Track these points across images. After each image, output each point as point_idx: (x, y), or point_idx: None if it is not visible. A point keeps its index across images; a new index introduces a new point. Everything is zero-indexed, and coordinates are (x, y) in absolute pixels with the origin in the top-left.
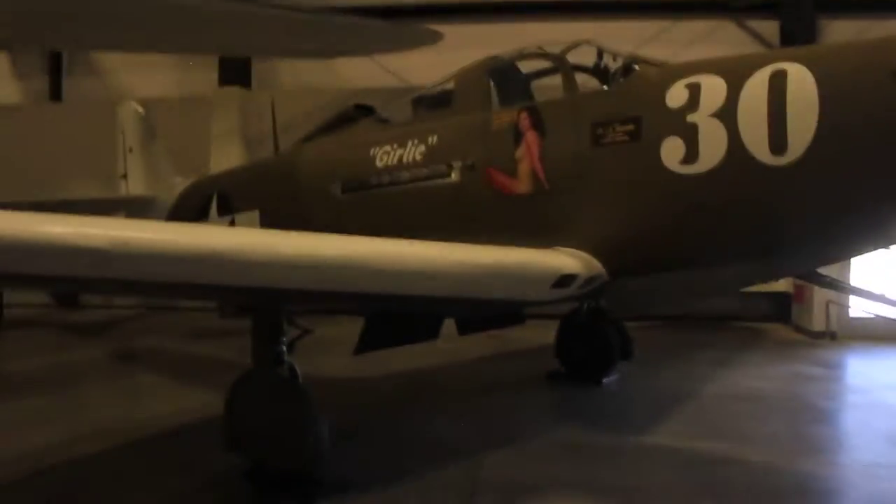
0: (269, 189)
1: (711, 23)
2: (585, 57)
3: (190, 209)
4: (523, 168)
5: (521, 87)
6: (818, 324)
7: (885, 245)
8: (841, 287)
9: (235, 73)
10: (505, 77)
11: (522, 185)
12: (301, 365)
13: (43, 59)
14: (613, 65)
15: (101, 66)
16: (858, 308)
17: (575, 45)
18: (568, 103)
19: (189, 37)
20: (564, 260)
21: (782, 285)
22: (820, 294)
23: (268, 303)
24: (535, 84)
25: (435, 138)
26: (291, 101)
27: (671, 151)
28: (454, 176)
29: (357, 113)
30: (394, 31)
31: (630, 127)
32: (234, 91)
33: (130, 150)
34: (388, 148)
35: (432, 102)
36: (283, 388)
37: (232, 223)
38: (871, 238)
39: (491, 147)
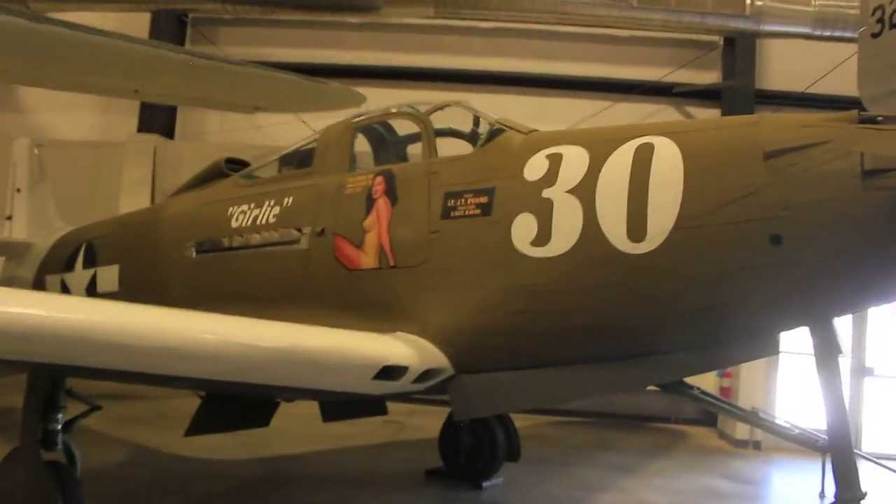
0: (129, 244)
1: (654, 106)
2: (463, 121)
3: (59, 259)
4: (370, 239)
5: (395, 149)
6: (741, 431)
7: (761, 353)
8: (707, 402)
9: (157, 120)
10: (375, 137)
11: (368, 259)
12: (165, 435)
13: None
14: (483, 129)
15: (24, 104)
16: (785, 417)
17: (441, 107)
18: (423, 169)
19: (106, 78)
20: (392, 349)
21: (710, 385)
22: (745, 398)
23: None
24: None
25: (290, 200)
26: (215, 155)
27: (522, 230)
28: (303, 242)
29: (229, 168)
30: (316, 89)
31: (482, 199)
32: (150, 139)
33: (18, 191)
34: (244, 208)
35: (296, 161)
36: (43, 479)
37: (94, 277)
38: (740, 337)
39: (341, 213)
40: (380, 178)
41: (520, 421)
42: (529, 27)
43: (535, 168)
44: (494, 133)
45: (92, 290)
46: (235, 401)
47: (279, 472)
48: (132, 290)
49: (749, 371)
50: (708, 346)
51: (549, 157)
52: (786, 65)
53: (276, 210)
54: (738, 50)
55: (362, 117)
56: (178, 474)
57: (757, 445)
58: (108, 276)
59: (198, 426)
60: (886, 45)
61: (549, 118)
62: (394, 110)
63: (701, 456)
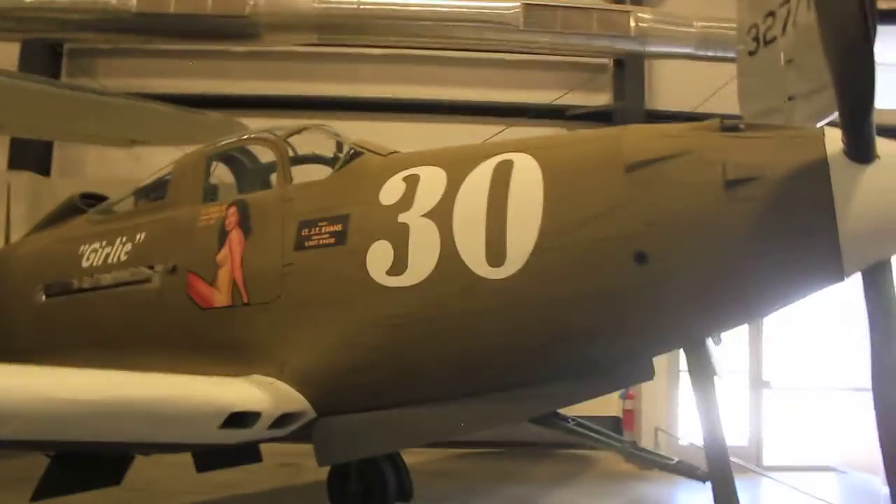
0: None
1: (547, 129)
2: (328, 146)
3: None
4: (223, 275)
5: (258, 177)
6: None
7: (638, 378)
8: (582, 435)
9: (32, 156)
10: (237, 166)
11: (221, 296)
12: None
13: None
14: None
15: None
16: (689, 437)
17: (298, 130)
18: (276, 197)
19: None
20: (242, 394)
21: (613, 408)
22: (649, 419)
23: None
24: None
25: (143, 235)
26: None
27: (378, 259)
28: (155, 281)
29: (85, 203)
30: (195, 119)
31: (337, 227)
32: (25, 176)
33: None
34: (96, 245)
35: (151, 193)
36: None
37: None
38: (614, 364)
39: (193, 248)
40: (233, 209)
41: (418, 456)
42: (420, 53)
43: (391, 192)
44: (352, 156)
45: None
46: (86, 459)
47: None
48: None
49: (651, 392)
50: (581, 374)
51: (405, 179)
52: (675, 85)
53: (128, 247)
54: (628, 71)
55: (217, 145)
56: None
57: None
58: None
59: (45, 489)
60: (762, 62)
61: (443, 144)
62: (250, 135)
63: (606, 481)
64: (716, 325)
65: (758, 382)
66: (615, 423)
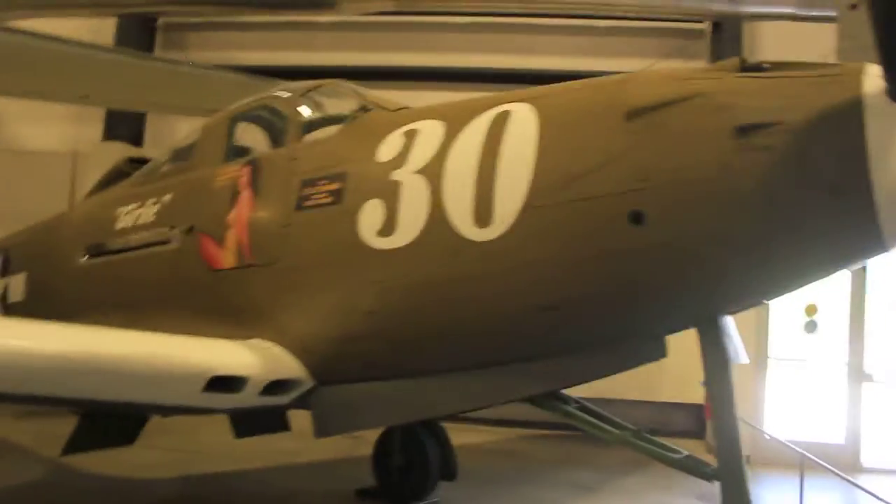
0: (35, 251)
1: None
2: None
3: None
4: (231, 236)
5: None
6: None
7: (647, 357)
8: (581, 420)
9: (125, 128)
10: (267, 124)
11: (228, 257)
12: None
13: None
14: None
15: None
16: (775, 429)
17: (314, 87)
18: (284, 156)
19: (79, 87)
20: (228, 358)
21: (697, 395)
22: None
23: None
24: None
25: (169, 197)
26: None
27: (369, 219)
28: (174, 242)
29: (131, 167)
30: None
31: (334, 186)
32: (115, 147)
33: None
34: (131, 207)
35: (182, 155)
36: None
37: (6, 288)
38: (616, 339)
39: (208, 208)
40: (246, 169)
41: (486, 435)
42: (505, 21)
43: (389, 147)
44: (360, 113)
45: (4, 301)
46: (108, 418)
47: (195, 492)
48: (35, 300)
49: (735, 379)
50: (577, 350)
51: (405, 134)
52: (777, 51)
53: (156, 208)
54: (725, 36)
55: (239, 105)
56: (94, 494)
57: (745, 460)
58: (16, 285)
59: (74, 445)
60: (864, 18)
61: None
62: (266, 94)
63: (680, 473)
64: (726, 300)
65: (858, 375)
66: (698, 412)
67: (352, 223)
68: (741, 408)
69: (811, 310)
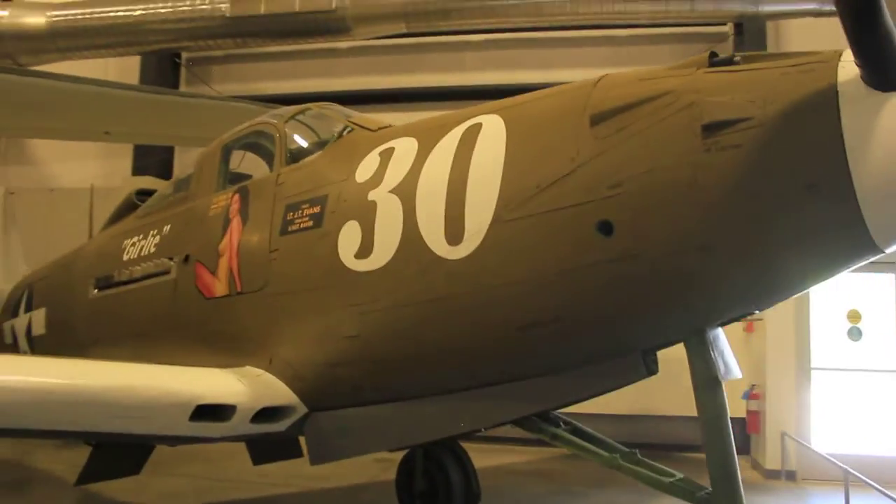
0: (54, 285)
1: None
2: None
3: (10, 305)
4: (222, 264)
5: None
6: (772, 460)
7: (633, 375)
8: (569, 443)
9: (154, 162)
10: (256, 151)
11: (220, 286)
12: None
13: None
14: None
15: (34, 156)
16: (824, 442)
17: (302, 111)
18: (270, 181)
19: (100, 124)
20: (216, 386)
21: (737, 409)
22: (774, 423)
23: None
24: None
25: (168, 228)
26: None
27: (348, 241)
28: (172, 272)
29: (139, 199)
30: None
31: (315, 209)
32: (144, 181)
33: None
34: (135, 239)
35: (182, 185)
36: None
37: (30, 321)
38: (597, 358)
39: (202, 238)
40: (236, 196)
41: (520, 456)
42: (522, 37)
43: (365, 168)
44: (341, 134)
45: (29, 335)
46: (116, 448)
47: None
48: (54, 333)
49: (777, 391)
50: (560, 369)
51: (381, 153)
52: (801, 48)
53: (157, 239)
54: (747, 38)
55: (231, 133)
56: None
57: (791, 476)
58: (38, 319)
59: (87, 475)
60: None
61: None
62: (254, 121)
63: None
64: (711, 311)
65: None
66: (739, 426)
67: (332, 246)
68: (786, 421)
69: (854, 316)
